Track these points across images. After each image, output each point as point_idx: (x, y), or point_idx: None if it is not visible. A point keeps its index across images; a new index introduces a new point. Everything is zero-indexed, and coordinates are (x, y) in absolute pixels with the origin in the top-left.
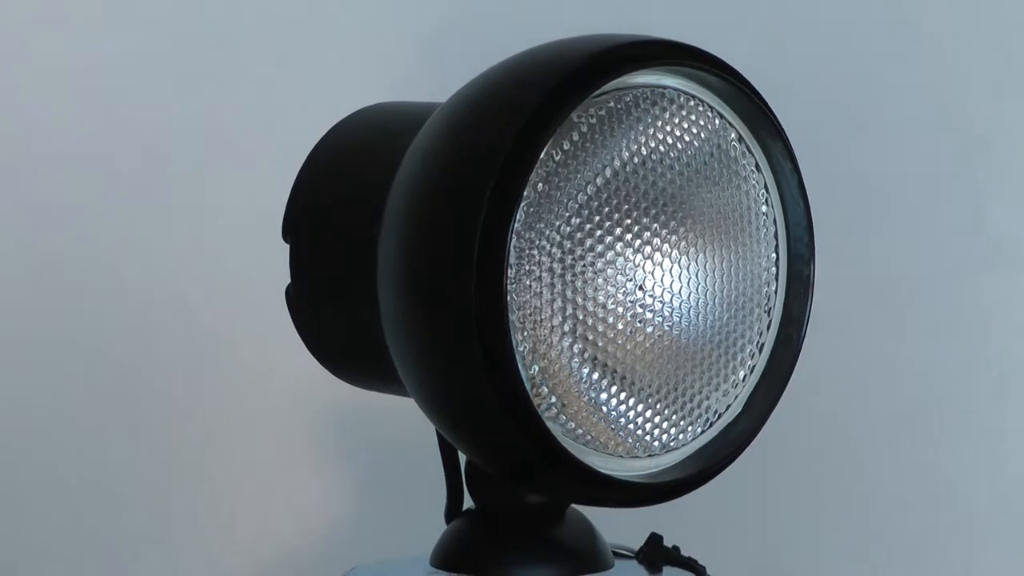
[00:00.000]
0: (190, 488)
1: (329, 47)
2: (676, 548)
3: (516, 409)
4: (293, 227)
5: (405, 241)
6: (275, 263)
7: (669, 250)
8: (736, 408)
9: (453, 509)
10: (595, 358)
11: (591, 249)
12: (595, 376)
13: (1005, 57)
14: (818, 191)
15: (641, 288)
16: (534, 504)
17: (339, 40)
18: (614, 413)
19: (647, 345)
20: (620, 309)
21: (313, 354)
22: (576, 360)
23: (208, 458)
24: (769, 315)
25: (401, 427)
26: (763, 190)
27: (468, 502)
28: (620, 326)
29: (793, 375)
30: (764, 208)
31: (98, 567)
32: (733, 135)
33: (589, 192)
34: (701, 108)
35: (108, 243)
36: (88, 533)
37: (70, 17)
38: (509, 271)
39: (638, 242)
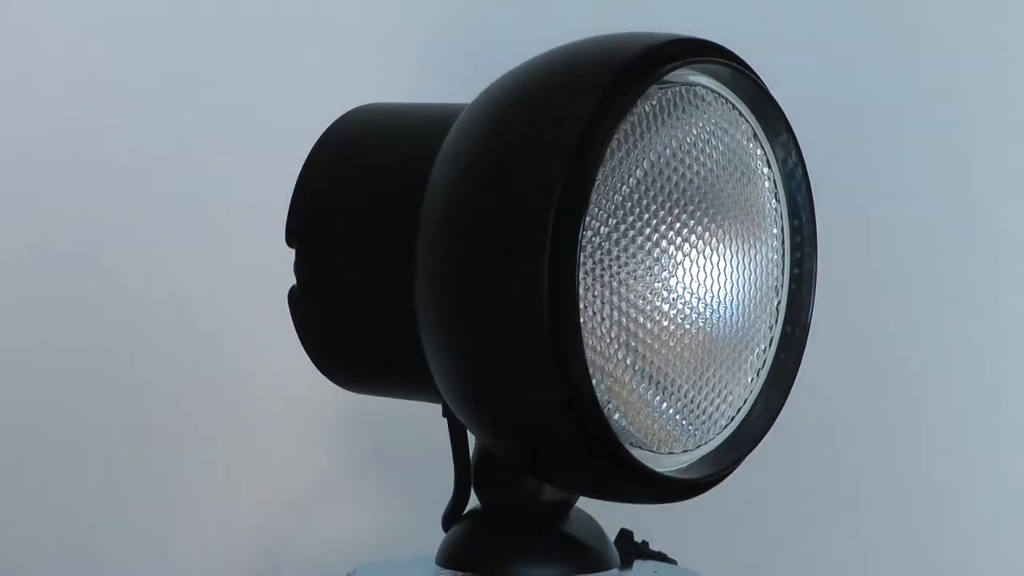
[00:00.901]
0: (190, 488)
1: (329, 46)
2: (646, 543)
3: (581, 405)
4: (300, 229)
5: (460, 241)
6: (276, 262)
7: (703, 247)
8: (749, 404)
9: (455, 514)
10: (644, 355)
11: (641, 247)
12: (644, 371)
13: (1007, 55)
14: (819, 190)
15: (681, 284)
16: (542, 502)
17: (339, 39)
18: (658, 411)
19: (685, 341)
20: (665, 306)
21: (315, 357)
22: (630, 358)
23: (208, 457)
24: (777, 311)
25: (402, 427)
26: (772, 185)
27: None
28: (664, 323)
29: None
30: (774, 203)
31: (98, 567)
32: (749, 132)
33: (636, 188)
34: (726, 105)
35: (108, 243)
36: (88, 533)
37: (70, 16)
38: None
39: (679, 239)
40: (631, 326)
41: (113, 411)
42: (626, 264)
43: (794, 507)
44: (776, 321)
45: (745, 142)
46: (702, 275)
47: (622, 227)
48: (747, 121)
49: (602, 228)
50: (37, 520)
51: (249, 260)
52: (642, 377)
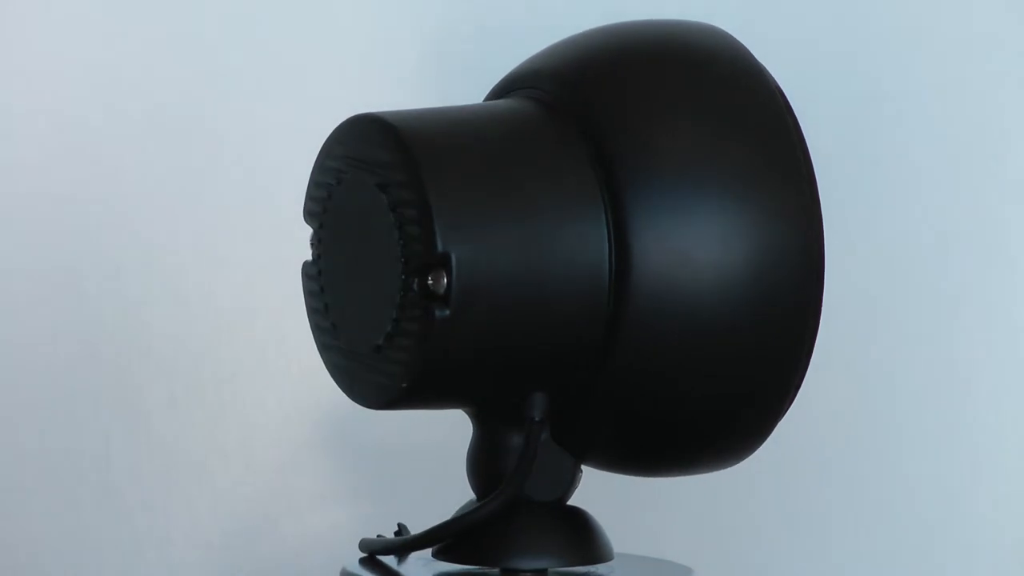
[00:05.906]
0: (190, 488)
1: (329, 45)
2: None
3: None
4: (455, 242)
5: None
6: (277, 264)
7: None
8: None
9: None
10: None
11: None
12: None
13: (1009, 53)
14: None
15: None
16: (550, 497)
17: (340, 38)
18: None
19: None
20: None
21: (420, 385)
22: None
23: (208, 458)
24: None
25: (402, 427)
26: None
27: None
28: None
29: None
30: None
31: (98, 567)
32: None
33: None
34: None
35: (108, 242)
36: (88, 533)
37: (70, 15)
38: None
39: None
40: None
41: (114, 411)
42: None
43: (794, 508)
44: None
45: None
46: None
47: None
48: None
49: None
50: (36, 520)
51: (250, 260)
52: None
